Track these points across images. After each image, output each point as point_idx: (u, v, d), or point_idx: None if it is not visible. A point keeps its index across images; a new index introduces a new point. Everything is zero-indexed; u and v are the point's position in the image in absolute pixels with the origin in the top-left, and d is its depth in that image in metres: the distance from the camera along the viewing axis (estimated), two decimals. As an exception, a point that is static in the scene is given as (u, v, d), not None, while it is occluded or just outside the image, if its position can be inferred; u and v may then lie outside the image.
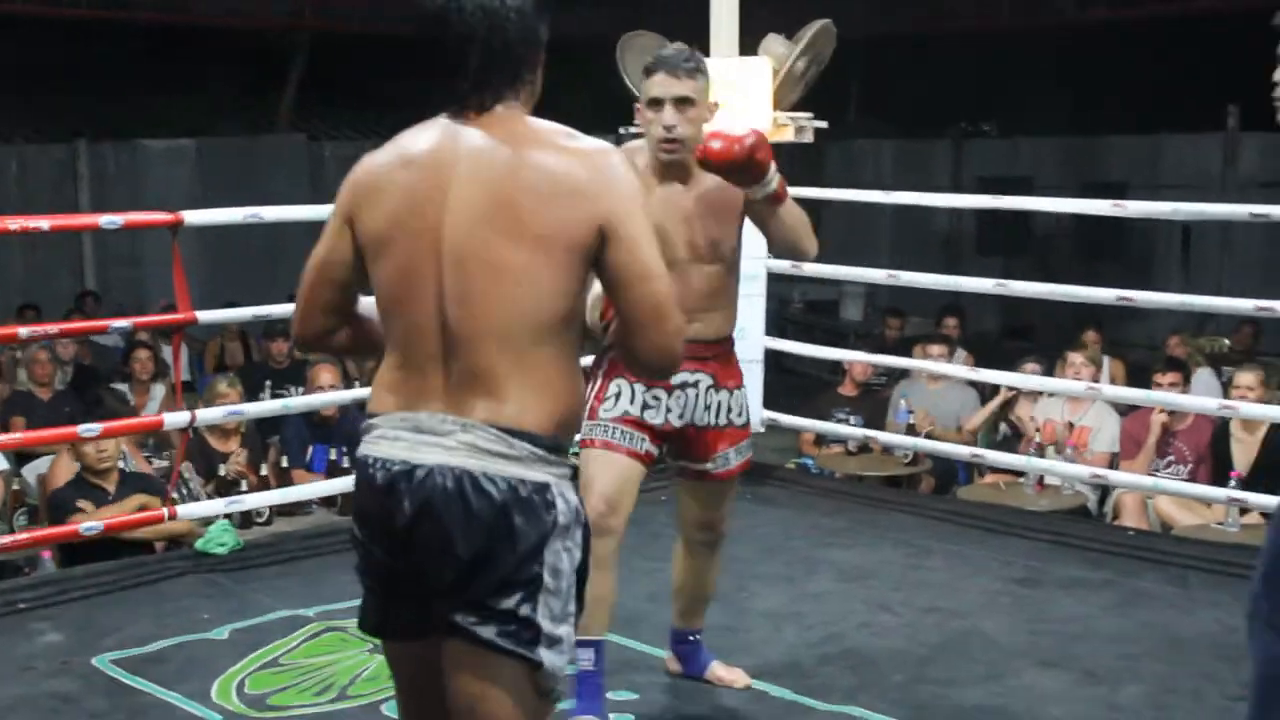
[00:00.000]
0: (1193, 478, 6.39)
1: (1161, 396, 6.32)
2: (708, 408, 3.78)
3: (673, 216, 3.63)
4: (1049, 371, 7.44)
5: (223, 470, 6.53)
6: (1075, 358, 7.19)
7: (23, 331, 5.52)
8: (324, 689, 4.09)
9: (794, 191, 3.73)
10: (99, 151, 14.35)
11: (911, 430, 7.46)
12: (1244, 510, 5.67)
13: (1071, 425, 7.01)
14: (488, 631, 2.30)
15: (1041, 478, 6.61)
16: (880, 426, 7.48)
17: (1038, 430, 7.01)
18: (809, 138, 6.01)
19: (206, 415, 5.66)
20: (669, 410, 3.73)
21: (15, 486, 6.87)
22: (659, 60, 3.66)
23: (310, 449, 7.03)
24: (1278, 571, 2.88)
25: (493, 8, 2.32)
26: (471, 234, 2.27)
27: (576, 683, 3.68)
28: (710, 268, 3.71)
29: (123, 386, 8.72)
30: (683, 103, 3.62)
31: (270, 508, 6.12)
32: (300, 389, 7.94)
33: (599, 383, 3.74)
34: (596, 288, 2.41)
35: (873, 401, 8.15)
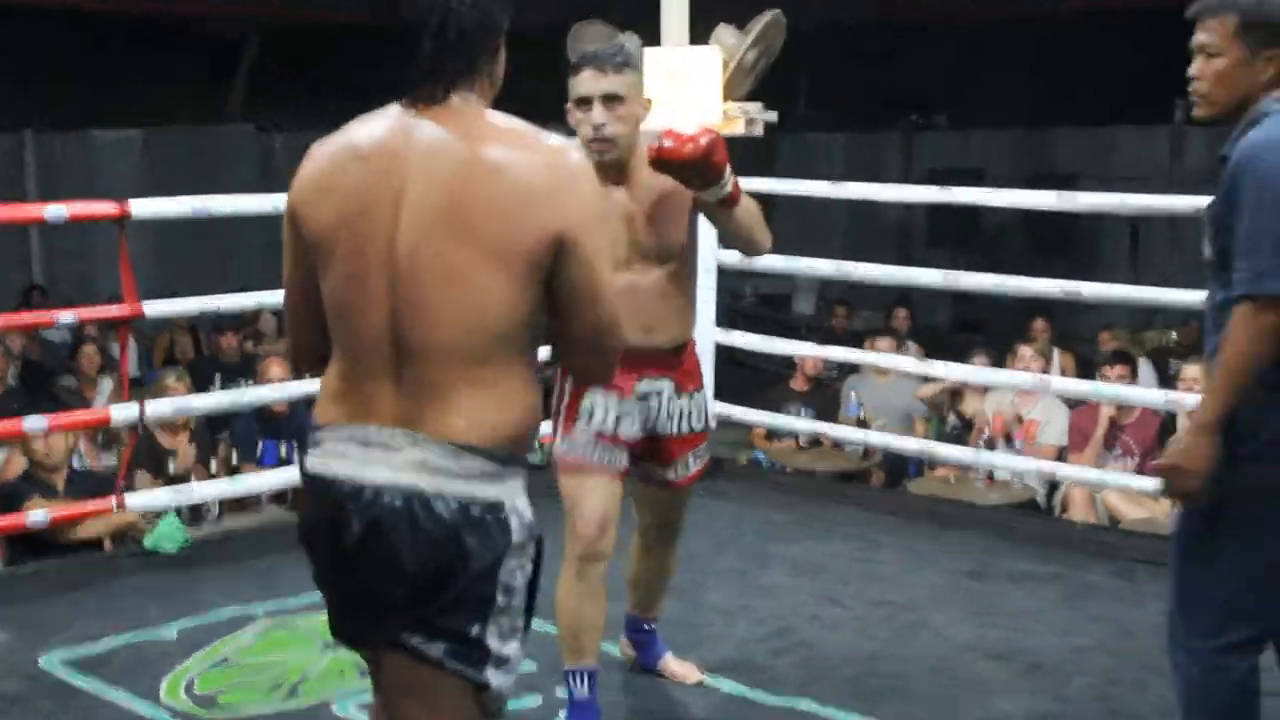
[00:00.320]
0: (1140, 470, 6.44)
1: (1110, 390, 6.36)
2: (670, 416, 3.72)
3: (617, 219, 3.52)
4: (998, 364, 7.48)
5: (171, 467, 6.49)
6: (1025, 351, 7.24)
7: (-34, 327, 5.47)
8: (274, 687, 4.07)
9: (744, 183, 3.62)
10: (46, 142, 14.19)
11: (863, 424, 7.49)
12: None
13: (1020, 418, 7.05)
14: (435, 650, 2.24)
15: (991, 472, 6.65)
16: (832, 420, 7.51)
17: (987, 424, 7.05)
18: (759, 131, 6.00)
19: (155, 409, 5.61)
20: (634, 421, 3.67)
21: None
22: (585, 57, 3.55)
23: (260, 444, 7.00)
24: (1185, 594, 2.97)
25: None
26: (424, 240, 2.18)
27: (571, 712, 3.67)
28: (660, 270, 3.60)
29: (70, 381, 8.65)
30: (611, 100, 3.50)
31: (221, 503, 6.07)
32: (251, 383, 7.89)
33: (569, 396, 3.65)
34: None
35: (824, 395, 8.18)
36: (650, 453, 3.76)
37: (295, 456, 6.61)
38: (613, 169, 3.55)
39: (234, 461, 6.86)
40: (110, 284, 6.73)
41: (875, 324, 9.92)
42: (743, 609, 4.65)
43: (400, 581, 2.22)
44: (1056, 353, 8.37)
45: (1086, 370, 7.92)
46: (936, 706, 3.95)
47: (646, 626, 4.09)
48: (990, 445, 6.89)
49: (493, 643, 2.26)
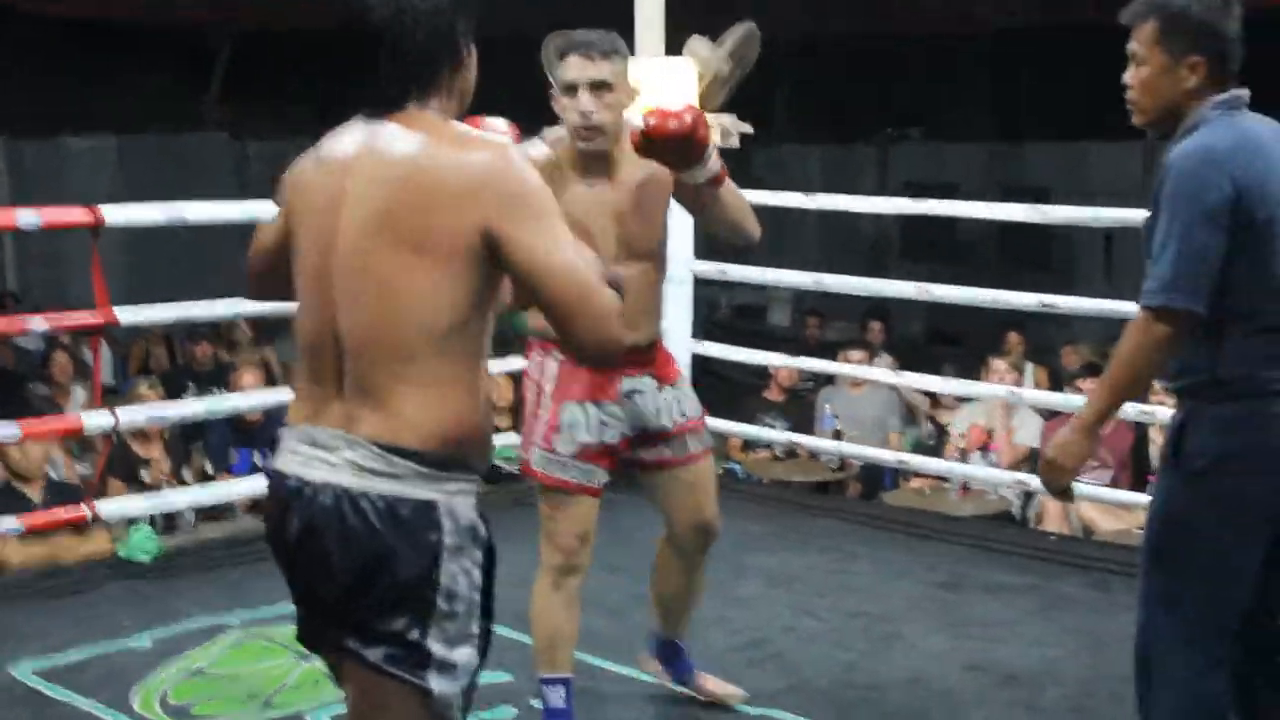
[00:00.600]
0: (1115, 483, 6.46)
1: (1081, 402, 6.37)
2: (658, 409, 3.66)
3: (601, 213, 3.47)
4: (971, 377, 7.50)
5: (145, 476, 6.45)
6: (998, 364, 7.26)
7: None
8: (249, 698, 4.06)
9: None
10: (18, 148, 14.13)
11: (838, 436, 7.50)
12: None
13: (990, 433, 7.07)
14: (374, 654, 2.26)
15: (966, 483, 6.66)
16: (807, 431, 7.51)
17: (962, 436, 7.07)
18: (735, 143, 6.00)
19: (129, 417, 5.57)
20: (622, 421, 3.62)
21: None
22: (571, 43, 3.48)
23: (234, 453, 6.97)
24: (1158, 613, 2.94)
25: (403, 6, 2.26)
26: (359, 242, 2.23)
27: None
28: (640, 265, 3.54)
29: (43, 389, 8.59)
30: (599, 87, 3.42)
31: (195, 512, 6.05)
32: (225, 391, 7.86)
33: (550, 407, 3.59)
34: None
35: (799, 406, 8.18)
36: (641, 443, 3.68)
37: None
38: (598, 161, 3.50)
39: (208, 470, 6.83)
40: (83, 290, 6.70)
41: (850, 335, 9.93)
42: (718, 620, 4.64)
43: (332, 580, 2.25)
44: (1030, 366, 8.40)
45: (1059, 384, 7.94)
46: (911, 718, 3.96)
47: (678, 643, 4.00)
48: (964, 457, 6.90)
49: (435, 648, 2.26)
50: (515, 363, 5.52)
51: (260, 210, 5.35)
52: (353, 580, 2.23)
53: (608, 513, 3.75)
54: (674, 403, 3.70)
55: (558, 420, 3.58)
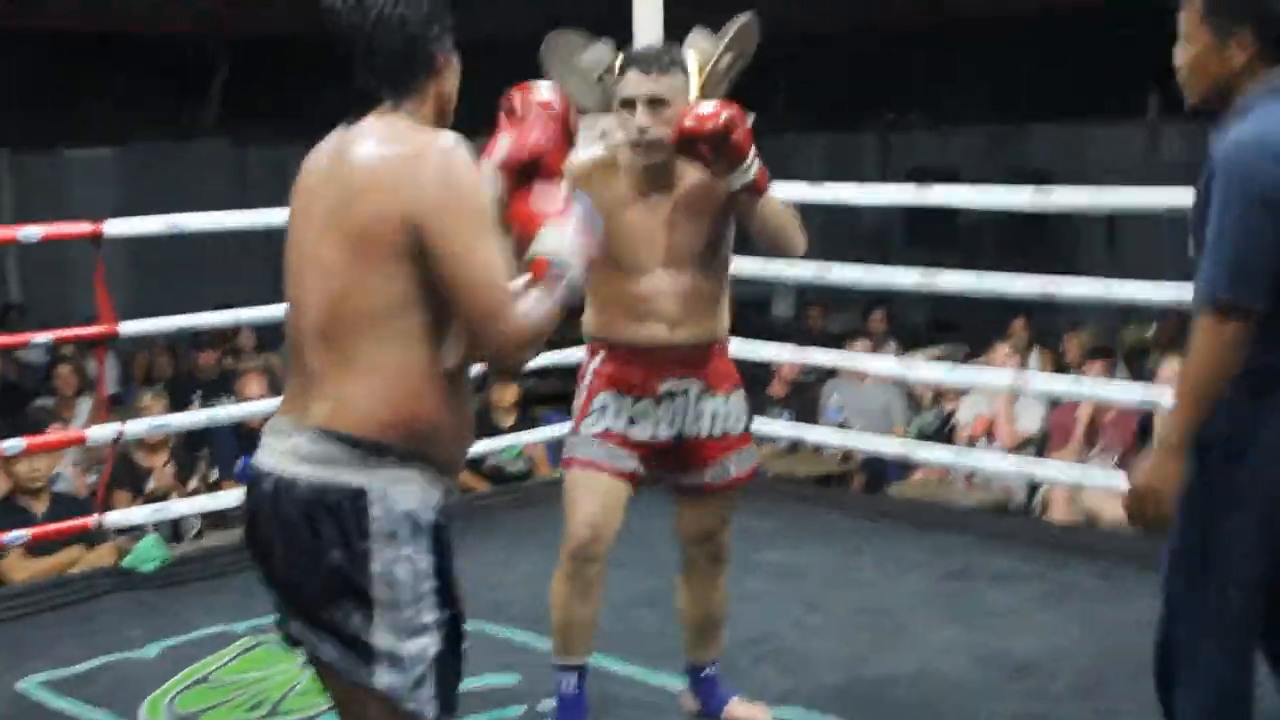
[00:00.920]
0: (1122, 466, 6.44)
1: (1089, 389, 6.36)
2: (698, 417, 3.58)
3: (654, 224, 3.48)
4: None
5: (150, 485, 6.46)
6: (1000, 349, 7.24)
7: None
8: (255, 705, 4.06)
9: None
10: (20, 162, 14.15)
11: (843, 428, 7.49)
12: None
13: (993, 421, 7.06)
14: (327, 653, 2.30)
15: (970, 473, 6.65)
16: (811, 423, 7.50)
17: (965, 425, 7.06)
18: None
19: (134, 428, 5.57)
20: (658, 422, 3.57)
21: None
22: (629, 58, 3.48)
23: (239, 461, 6.96)
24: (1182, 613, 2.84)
25: (373, 12, 2.29)
26: (314, 238, 2.30)
27: (558, 709, 3.63)
28: (691, 272, 3.50)
29: (48, 402, 8.60)
30: (656, 103, 3.40)
31: (201, 520, 6.05)
32: (230, 399, 7.86)
33: (583, 396, 3.60)
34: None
35: (802, 399, 8.17)
36: (682, 459, 3.62)
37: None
38: (659, 174, 3.48)
39: (213, 478, 6.83)
40: (88, 302, 6.71)
41: (854, 325, 9.90)
42: (725, 616, 4.63)
43: (275, 566, 2.32)
44: (1035, 352, 8.37)
45: (1063, 369, 7.92)
46: (921, 711, 3.95)
47: (705, 672, 3.91)
48: (970, 445, 6.89)
49: (380, 640, 2.27)
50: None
51: (260, 218, 5.37)
52: (290, 566, 2.29)
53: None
54: (721, 414, 3.62)
55: (589, 406, 3.58)
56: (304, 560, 2.26)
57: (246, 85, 15.85)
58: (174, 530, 6.01)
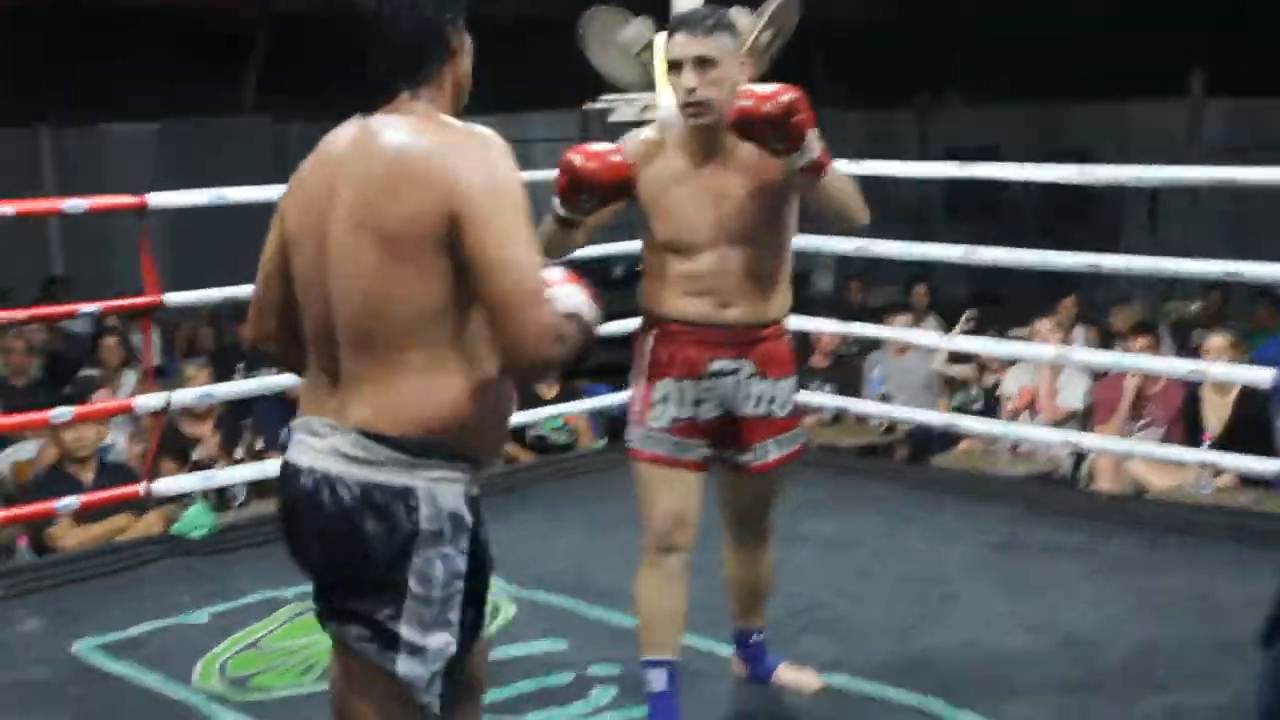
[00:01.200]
0: (1167, 439, 6.42)
1: (1132, 361, 6.34)
2: (747, 397, 3.52)
3: (706, 199, 3.41)
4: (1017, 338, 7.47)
5: (196, 455, 6.50)
6: (1043, 324, 7.21)
7: (-9, 318, 5.48)
8: (305, 669, 4.09)
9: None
10: (61, 136, 14.22)
11: (886, 400, 7.48)
12: (1217, 472, 5.71)
13: (1036, 394, 7.04)
14: (349, 634, 2.33)
15: (1016, 444, 6.63)
16: (853, 395, 7.49)
17: (1010, 398, 7.04)
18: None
19: (180, 398, 5.61)
20: (711, 401, 3.52)
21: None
22: (676, 21, 3.44)
23: (283, 430, 6.99)
24: None
25: None
26: (343, 235, 2.27)
27: (650, 706, 3.61)
28: (745, 250, 3.43)
29: (93, 373, 8.65)
30: (703, 63, 3.33)
31: (248, 488, 6.09)
32: (273, 369, 7.89)
33: (643, 385, 3.54)
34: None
35: (844, 371, 8.16)
36: (729, 436, 3.58)
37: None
38: (709, 141, 3.42)
39: (258, 447, 6.86)
40: (131, 275, 6.74)
41: (895, 299, 9.89)
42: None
43: (312, 561, 2.37)
44: (1081, 328, 8.34)
45: (1108, 344, 7.89)
46: (971, 679, 3.93)
47: (753, 639, 3.93)
48: (1014, 417, 6.87)
49: (406, 631, 2.30)
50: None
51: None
52: (329, 562, 2.33)
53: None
54: (768, 397, 3.56)
55: (651, 397, 3.53)
56: (344, 555, 2.30)
57: (287, 61, 15.88)
58: (219, 498, 6.04)
